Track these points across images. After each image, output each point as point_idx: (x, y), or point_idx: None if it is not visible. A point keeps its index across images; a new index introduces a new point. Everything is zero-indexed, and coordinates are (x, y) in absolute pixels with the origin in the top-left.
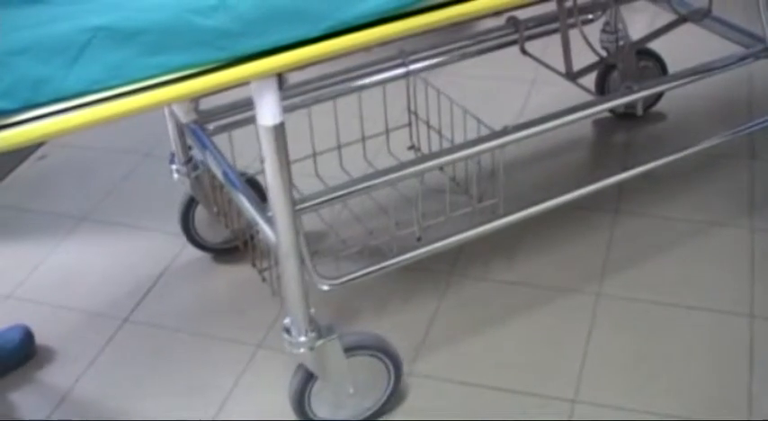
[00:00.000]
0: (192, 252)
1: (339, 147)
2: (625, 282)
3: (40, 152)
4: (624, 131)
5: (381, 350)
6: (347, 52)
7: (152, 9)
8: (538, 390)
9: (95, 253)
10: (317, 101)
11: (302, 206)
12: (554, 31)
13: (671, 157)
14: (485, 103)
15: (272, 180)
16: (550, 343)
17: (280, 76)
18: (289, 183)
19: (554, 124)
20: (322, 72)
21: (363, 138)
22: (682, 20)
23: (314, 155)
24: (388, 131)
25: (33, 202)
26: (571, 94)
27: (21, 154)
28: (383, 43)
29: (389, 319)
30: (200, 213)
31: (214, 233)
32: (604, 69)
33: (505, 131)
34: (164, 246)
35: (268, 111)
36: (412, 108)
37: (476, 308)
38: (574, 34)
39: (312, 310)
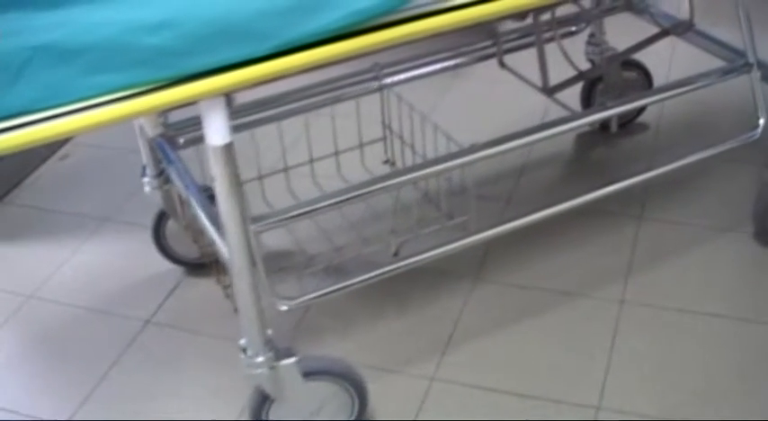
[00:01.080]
0: None
1: (311, 161)
2: (648, 288)
3: (62, 151)
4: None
5: (344, 377)
6: (296, 71)
7: (96, 27)
8: (561, 397)
9: (118, 254)
10: (291, 114)
11: (260, 225)
12: (533, 44)
13: (683, 161)
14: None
15: (222, 200)
16: (573, 349)
17: (228, 96)
18: (240, 203)
19: (523, 142)
20: (291, 86)
21: (336, 153)
22: (664, 33)
23: (286, 169)
24: (362, 145)
25: (56, 202)
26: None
27: (43, 153)
28: (334, 62)
29: (415, 317)
30: (174, 227)
31: (187, 247)
32: (590, 81)
33: (472, 149)
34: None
35: (216, 130)
36: (387, 122)
37: (496, 312)
38: (555, 47)
39: (269, 331)
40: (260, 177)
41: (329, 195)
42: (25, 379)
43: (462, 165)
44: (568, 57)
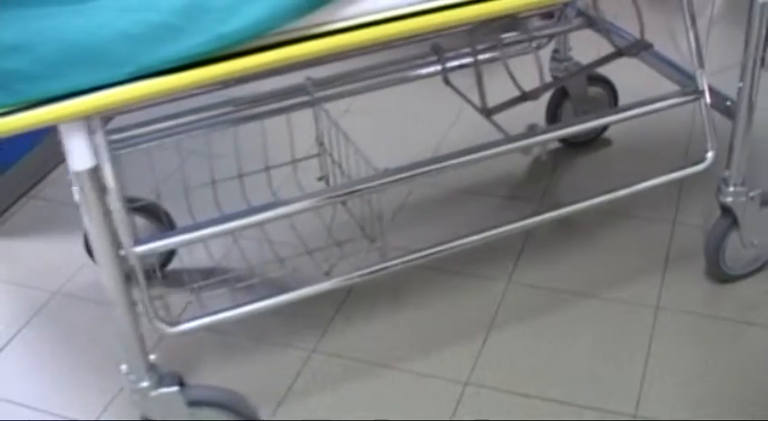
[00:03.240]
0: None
1: (241, 176)
2: (683, 294)
3: None
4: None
5: (231, 409)
6: (158, 97)
7: None
8: (596, 404)
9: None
10: (223, 126)
11: (145, 247)
12: (481, 62)
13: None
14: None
15: (89, 226)
16: (609, 355)
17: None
18: (108, 229)
19: (442, 166)
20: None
21: (267, 168)
22: (618, 54)
23: (213, 183)
24: (294, 161)
25: None
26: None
27: None
28: (197, 88)
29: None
30: None
31: None
32: (557, 97)
33: (386, 173)
34: (214, 244)
35: (76, 155)
36: (321, 138)
37: (530, 316)
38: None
39: (152, 357)
40: (185, 190)
41: (221, 219)
42: (52, 377)
43: (375, 189)
44: (513, 76)
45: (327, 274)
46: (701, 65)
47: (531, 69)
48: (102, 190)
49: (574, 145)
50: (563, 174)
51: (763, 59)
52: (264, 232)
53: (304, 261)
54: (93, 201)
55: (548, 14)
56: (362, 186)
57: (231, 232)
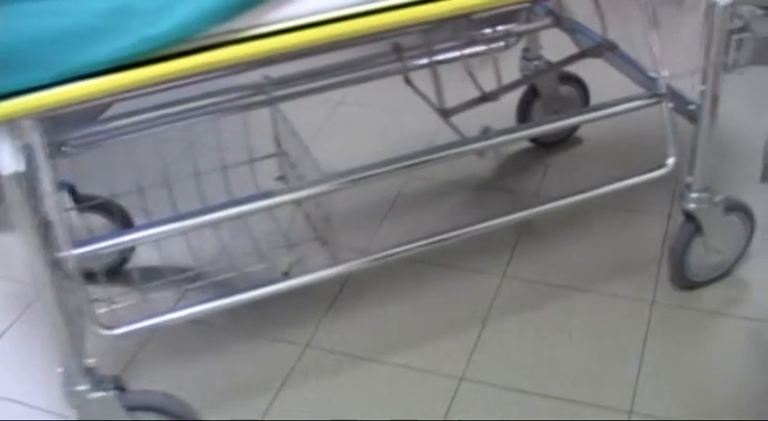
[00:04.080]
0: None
1: (197, 175)
2: (679, 289)
3: None
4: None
5: (169, 413)
6: (80, 101)
7: None
8: (593, 400)
9: (143, 247)
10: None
11: (84, 250)
12: (441, 62)
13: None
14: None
15: (19, 229)
16: (604, 350)
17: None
18: (37, 233)
19: (393, 168)
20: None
21: (224, 167)
22: (581, 55)
23: (168, 184)
24: (252, 161)
25: None
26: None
27: None
28: (126, 92)
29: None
30: None
31: None
32: (530, 96)
33: (325, 178)
34: (214, 239)
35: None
36: (279, 138)
37: (524, 311)
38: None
39: (91, 360)
40: (139, 190)
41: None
42: (44, 372)
43: (325, 193)
44: (473, 76)
45: (286, 275)
46: (662, 68)
47: (502, 68)
48: (34, 193)
49: (545, 145)
50: (538, 172)
51: (725, 63)
52: (218, 231)
53: (258, 260)
54: (19, 205)
55: None
56: (312, 190)
57: (180, 233)
